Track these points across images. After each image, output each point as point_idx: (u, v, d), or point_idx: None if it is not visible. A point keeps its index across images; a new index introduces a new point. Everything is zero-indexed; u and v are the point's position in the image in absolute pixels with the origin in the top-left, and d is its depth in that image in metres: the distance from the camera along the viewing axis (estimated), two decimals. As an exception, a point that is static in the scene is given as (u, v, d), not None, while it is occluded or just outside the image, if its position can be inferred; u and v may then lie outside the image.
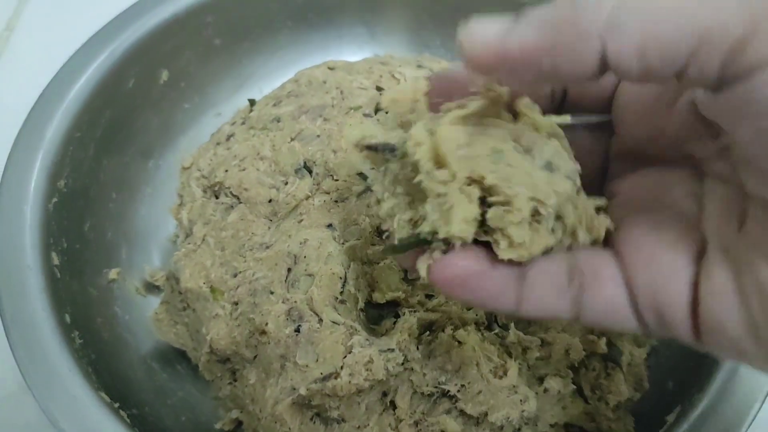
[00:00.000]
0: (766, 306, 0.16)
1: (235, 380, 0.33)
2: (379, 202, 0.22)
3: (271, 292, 0.30)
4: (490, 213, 0.19)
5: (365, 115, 0.35)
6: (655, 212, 0.20)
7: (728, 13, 0.14)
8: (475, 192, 0.19)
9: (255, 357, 0.31)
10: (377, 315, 0.32)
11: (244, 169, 0.34)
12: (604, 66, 0.16)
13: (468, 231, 0.19)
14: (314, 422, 0.29)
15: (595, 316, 0.20)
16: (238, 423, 0.33)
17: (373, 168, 0.22)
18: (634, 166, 0.22)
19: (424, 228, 0.20)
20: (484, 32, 0.16)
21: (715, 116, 0.17)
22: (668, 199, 0.20)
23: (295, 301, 0.30)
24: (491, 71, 0.17)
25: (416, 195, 0.21)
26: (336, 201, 0.32)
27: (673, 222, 0.19)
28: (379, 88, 0.37)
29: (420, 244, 0.20)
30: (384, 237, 0.31)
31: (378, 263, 0.31)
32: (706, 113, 0.17)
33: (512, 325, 0.31)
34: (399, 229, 0.21)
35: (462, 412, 0.29)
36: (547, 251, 0.20)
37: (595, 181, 0.23)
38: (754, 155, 0.16)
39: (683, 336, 0.18)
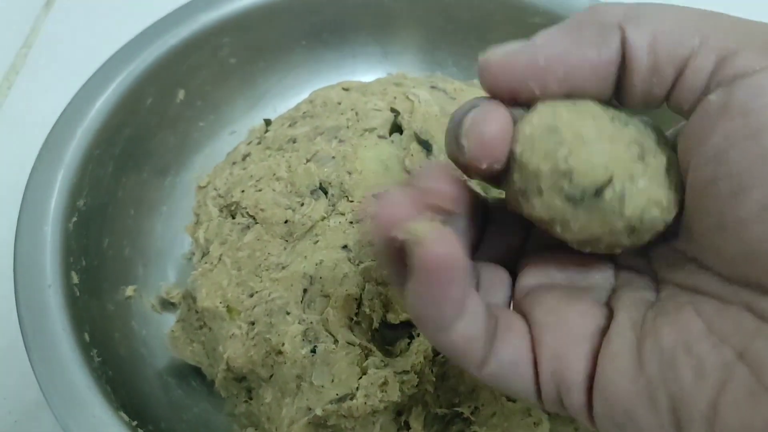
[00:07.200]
0: (665, 371, 0.16)
1: (251, 398, 0.33)
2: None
3: (288, 313, 0.31)
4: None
5: (380, 136, 0.36)
6: (569, 289, 0.20)
7: (724, 28, 0.17)
8: None
9: (271, 376, 0.31)
10: (391, 335, 0.32)
11: (260, 190, 0.35)
12: (622, 54, 0.17)
13: None
14: (329, 442, 0.30)
15: (500, 367, 0.19)
16: (253, 440, 0.34)
17: None
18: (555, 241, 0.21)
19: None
20: (506, 47, 0.18)
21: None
22: (585, 283, 0.20)
23: (311, 322, 0.30)
24: (514, 80, 0.18)
25: None
26: (351, 222, 0.33)
27: (585, 297, 0.20)
28: (393, 110, 0.37)
29: None
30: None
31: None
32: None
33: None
34: None
35: (475, 434, 0.30)
36: None
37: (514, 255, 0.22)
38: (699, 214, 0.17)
39: (575, 407, 0.18)
